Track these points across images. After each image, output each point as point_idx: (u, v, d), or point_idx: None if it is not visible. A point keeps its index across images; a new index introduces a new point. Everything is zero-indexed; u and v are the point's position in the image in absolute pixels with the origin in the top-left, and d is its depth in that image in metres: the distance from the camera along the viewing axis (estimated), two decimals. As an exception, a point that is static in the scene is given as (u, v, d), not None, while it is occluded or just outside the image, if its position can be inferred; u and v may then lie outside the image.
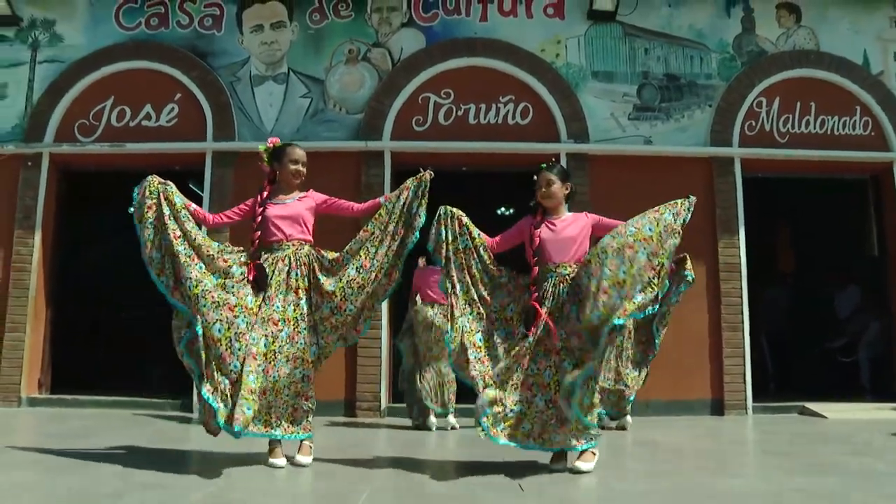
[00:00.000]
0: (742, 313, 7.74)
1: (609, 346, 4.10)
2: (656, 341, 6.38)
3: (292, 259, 4.34)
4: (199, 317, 4.08)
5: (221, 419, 3.94)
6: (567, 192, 4.49)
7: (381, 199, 4.53)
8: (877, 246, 8.60)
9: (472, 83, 8.08)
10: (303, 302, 4.29)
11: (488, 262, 4.40)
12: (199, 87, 8.04)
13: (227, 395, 4.00)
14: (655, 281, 4.01)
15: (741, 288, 7.78)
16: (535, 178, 4.48)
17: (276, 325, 4.21)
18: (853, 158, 8.11)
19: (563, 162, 7.68)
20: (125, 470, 3.94)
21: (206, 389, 3.99)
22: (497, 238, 4.50)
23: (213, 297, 4.12)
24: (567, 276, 4.24)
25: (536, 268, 4.32)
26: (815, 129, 8.13)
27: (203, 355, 4.06)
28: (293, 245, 4.39)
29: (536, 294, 4.24)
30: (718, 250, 7.81)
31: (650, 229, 4.08)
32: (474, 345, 4.27)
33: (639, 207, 4.27)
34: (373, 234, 4.40)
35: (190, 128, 8.02)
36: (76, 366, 8.44)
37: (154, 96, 8.07)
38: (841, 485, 3.79)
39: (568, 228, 4.37)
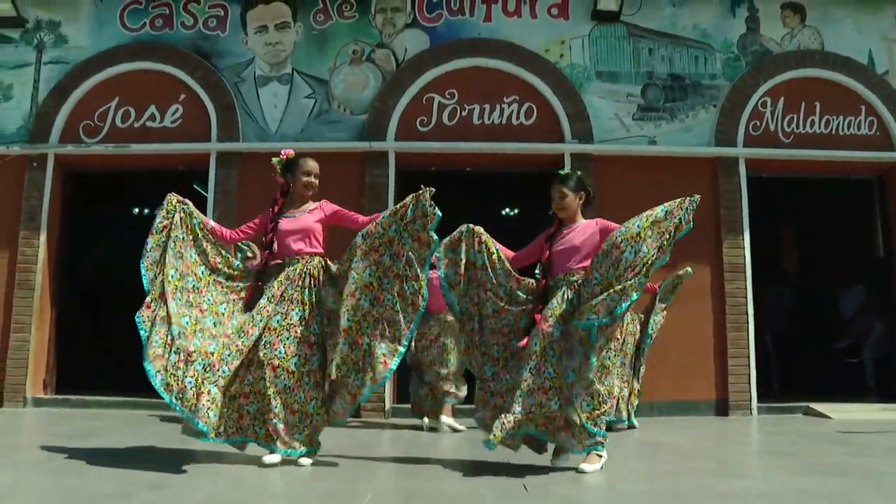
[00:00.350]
0: (747, 314, 7.72)
1: (596, 352, 4.04)
2: (648, 342, 6.42)
3: (300, 272, 4.35)
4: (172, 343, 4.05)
5: (196, 419, 3.93)
6: (581, 201, 4.49)
7: (382, 214, 4.40)
8: (882, 246, 8.58)
9: (476, 84, 8.08)
10: (293, 312, 4.25)
11: (507, 274, 4.38)
12: (204, 87, 8.06)
13: (214, 400, 3.99)
14: (633, 283, 3.96)
15: (746, 288, 7.76)
16: (551, 188, 4.49)
17: (271, 332, 4.21)
18: (858, 158, 8.09)
19: (567, 162, 7.69)
20: (129, 470, 3.95)
21: (183, 404, 3.97)
22: (517, 254, 4.53)
23: (210, 332, 4.14)
24: (575, 283, 4.24)
25: (544, 280, 4.35)
26: (819, 129, 8.11)
27: (170, 385, 4.00)
28: (303, 259, 4.39)
29: (541, 306, 4.25)
30: (723, 251, 7.79)
31: (638, 226, 4.06)
32: (492, 358, 4.31)
33: (643, 208, 4.23)
34: (366, 252, 4.23)
35: (194, 128, 8.03)
36: (81, 366, 8.45)
37: (158, 97, 8.09)
38: (842, 485, 3.78)
39: (575, 237, 4.38)
